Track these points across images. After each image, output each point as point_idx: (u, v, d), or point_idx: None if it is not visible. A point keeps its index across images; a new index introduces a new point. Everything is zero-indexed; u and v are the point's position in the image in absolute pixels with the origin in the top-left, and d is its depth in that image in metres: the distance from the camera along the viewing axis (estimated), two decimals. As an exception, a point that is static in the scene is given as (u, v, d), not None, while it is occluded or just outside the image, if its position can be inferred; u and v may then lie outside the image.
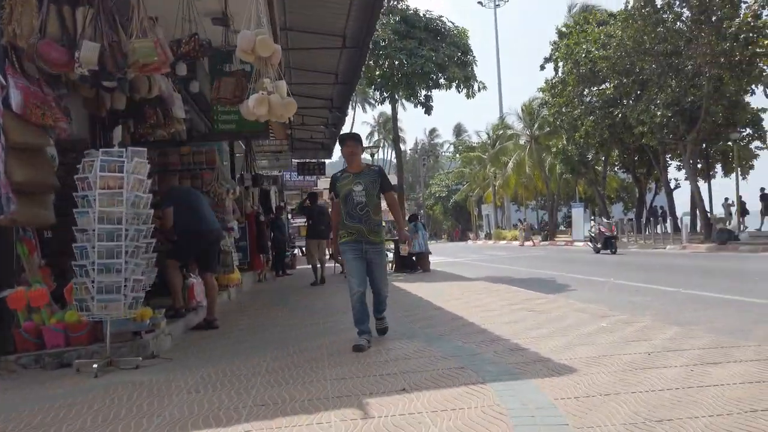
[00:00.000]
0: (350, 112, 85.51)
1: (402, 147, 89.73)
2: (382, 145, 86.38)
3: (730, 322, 5.87)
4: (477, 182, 47.37)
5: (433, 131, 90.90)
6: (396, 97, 15.84)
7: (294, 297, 9.33)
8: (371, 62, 14.95)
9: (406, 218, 14.02)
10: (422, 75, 14.51)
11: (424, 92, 15.25)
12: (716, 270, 12.33)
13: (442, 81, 15.04)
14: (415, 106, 15.67)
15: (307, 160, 18.93)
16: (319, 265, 11.30)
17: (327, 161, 20.46)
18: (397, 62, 14.66)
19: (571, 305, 6.52)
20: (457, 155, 58.51)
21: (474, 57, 15.57)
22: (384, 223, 12.12)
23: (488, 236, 47.69)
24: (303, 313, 7.16)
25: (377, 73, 15.20)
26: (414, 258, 12.79)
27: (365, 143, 23.49)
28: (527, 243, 33.32)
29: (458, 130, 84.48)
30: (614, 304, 7.65)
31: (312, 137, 17.39)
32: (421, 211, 68.93)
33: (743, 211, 23.98)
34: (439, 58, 14.40)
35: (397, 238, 12.77)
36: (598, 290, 9.59)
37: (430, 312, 6.39)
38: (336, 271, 13.80)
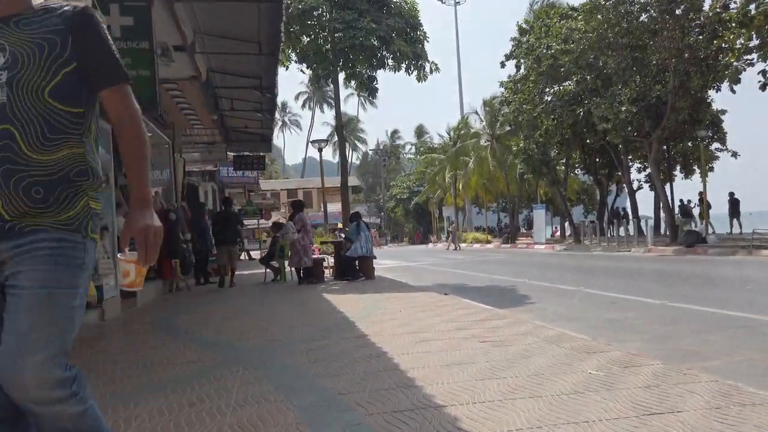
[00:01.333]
0: (308, 112, 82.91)
1: (363, 148, 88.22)
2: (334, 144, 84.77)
3: (761, 358, 4.28)
4: (438, 184, 45.96)
5: (395, 133, 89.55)
6: (337, 78, 13.97)
7: (189, 314, 7.41)
8: (303, 36, 13.13)
9: (349, 216, 12.27)
10: (362, 50, 12.70)
11: (367, 72, 13.42)
12: (695, 276, 10.96)
13: (389, 61, 13.28)
14: (359, 88, 13.86)
15: (244, 153, 16.92)
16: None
17: (267, 155, 18.54)
18: (332, 36, 12.83)
19: (539, 330, 4.84)
20: (418, 156, 57.14)
21: (425, 33, 13.80)
22: (337, 229, 10.10)
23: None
24: (183, 339, 5.29)
25: (306, 41, 13.27)
26: (356, 263, 11.02)
27: (326, 146, 21.71)
28: (451, 247, 31.94)
29: (420, 132, 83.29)
30: (591, 324, 6.04)
31: (247, 127, 15.43)
32: (382, 213, 67.51)
33: (708, 213, 23.11)
34: (382, 30, 12.58)
35: (340, 239, 11.05)
36: (567, 302, 8.01)
37: (344, 344, 4.60)
38: (267, 279, 11.92)
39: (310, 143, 16.08)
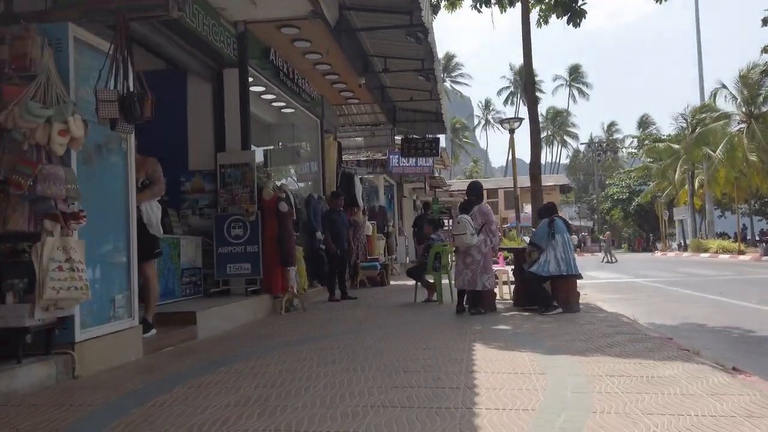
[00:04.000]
0: (512, 108, 77.31)
1: (573, 144, 79.77)
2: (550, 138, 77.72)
3: None
4: (669, 180, 37.77)
5: (611, 125, 79.69)
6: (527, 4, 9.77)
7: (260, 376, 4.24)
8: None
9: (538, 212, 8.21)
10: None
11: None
12: None
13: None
14: (554, 9, 9.48)
15: (413, 136, 13.72)
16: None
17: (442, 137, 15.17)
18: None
19: None
20: (641, 151, 48.66)
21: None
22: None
23: (682, 247, 37.93)
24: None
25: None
26: (548, 284, 6.95)
27: (518, 126, 17.68)
28: (605, 259, 26.82)
29: (644, 122, 72.67)
30: None
31: (412, 98, 12.21)
32: (595, 216, 59.48)
33: None
34: None
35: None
36: None
37: None
38: (418, 297, 8.47)
39: (499, 124, 11.92)
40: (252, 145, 7.89)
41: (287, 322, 6.79)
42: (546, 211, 7.46)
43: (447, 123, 13.47)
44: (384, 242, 14.56)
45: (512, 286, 8.10)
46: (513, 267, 8.10)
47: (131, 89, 4.10)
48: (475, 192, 7.21)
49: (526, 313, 6.84)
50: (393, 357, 4.39)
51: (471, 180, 7.31)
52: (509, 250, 7.97)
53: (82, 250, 3.83)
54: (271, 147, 10.64)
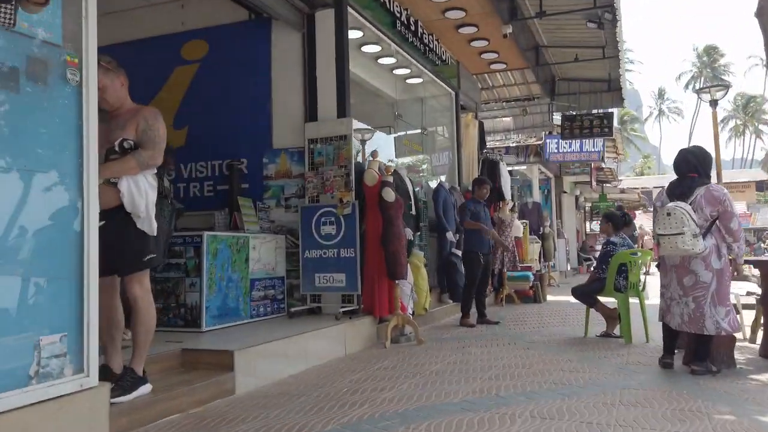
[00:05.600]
0: (693, 96, 67.60)
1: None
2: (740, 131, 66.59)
3: None
4: None
5: (823, 110, 65.82)
6: None
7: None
8: None
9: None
10: None
11: None
12: None
13: None
14: None
15: (576, 113, 10.70)
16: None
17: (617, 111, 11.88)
18: None
19: None
20: None
21: None
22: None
23: None
24: None
25: None
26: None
27: (721, 129, 13.67)
28: None
29: None
30: None
31: (577, 58, 9.28)
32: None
33: None
34: None
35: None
36: None
37: None
38: (590, 331, 5.73)
39: (697, 93, 8.44)
40: (354, 119, 5.82)
41: (389, 365, 4.53)
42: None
43: (625, 90, 10.27)
44: (539, 246, 11.76)
45: (760, 322, 5.01)
46: (761, 292, 5.00)
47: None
48: (696, 161, 4.13)
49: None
50: None
51: (686, 148, 4.22)
52: (755, 263, 4.86)
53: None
54: (389, 127, 8.51)
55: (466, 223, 6.73)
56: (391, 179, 5.45)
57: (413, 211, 6.43)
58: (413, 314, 5.89)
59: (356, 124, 5.64)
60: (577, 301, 5.97)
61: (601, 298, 5.75)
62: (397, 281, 5.36)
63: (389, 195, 5.27)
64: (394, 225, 5.30)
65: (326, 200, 5.53)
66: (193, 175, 6.29)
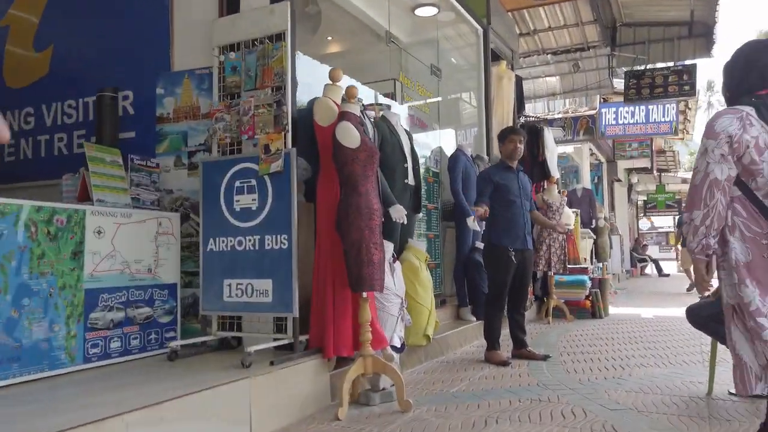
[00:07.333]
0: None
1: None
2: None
3: None
4: None
5: None
6: None
7: None
8: None
9: None
10: None
11: None
12: None
13: None
14: None
15: (645, 67, 8.04)
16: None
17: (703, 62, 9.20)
18: None
19: None
20: None
21: None
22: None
23: None
24: None
25: None
26: None
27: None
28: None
29: None
30: None
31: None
32: None
33: None
34: None
35: None
36: None
37: None
38: (717, 388, 3.18)
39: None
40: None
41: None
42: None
43: (716, 34, 7.59)
44: (591, 243, 9.17)
45: None
46: None
47: None
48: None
49: None
50: None
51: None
52: None
53: None
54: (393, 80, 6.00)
55: (478, 205, 4.23)
56: (356, 110, 3.03)
57: (409, 179, 4.01)
58: (403, 348, 3.47)
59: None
60: (698, 328, 3.42)
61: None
62: (364, 293, 2.94)
63: (348, 135, 2.85)
64: (357, 193, 2.88)
65: (247, 150, 3.16)
66: (59, 121, 4.02)
